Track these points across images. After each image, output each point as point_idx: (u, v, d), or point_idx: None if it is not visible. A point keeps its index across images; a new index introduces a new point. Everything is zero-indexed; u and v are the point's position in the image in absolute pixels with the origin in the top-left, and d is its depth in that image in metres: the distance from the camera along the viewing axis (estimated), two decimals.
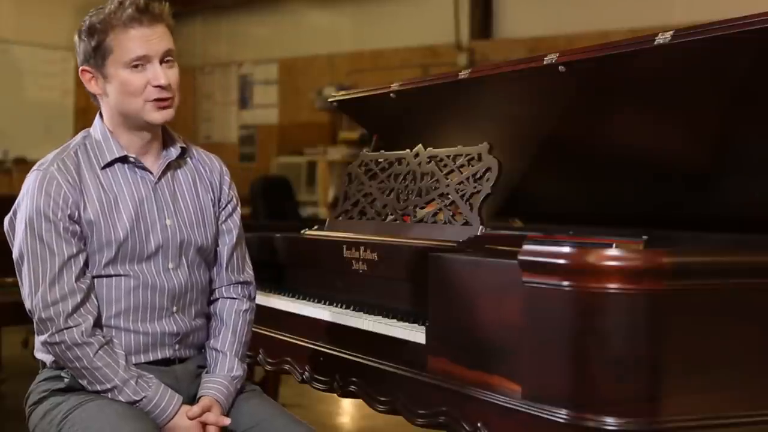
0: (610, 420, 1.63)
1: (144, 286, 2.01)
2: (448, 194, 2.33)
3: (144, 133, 2.04)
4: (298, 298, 2.58)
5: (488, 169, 2.26)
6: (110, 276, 1.99)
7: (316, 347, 2.44)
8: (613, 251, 1.69)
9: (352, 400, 2.54)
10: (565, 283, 1.67)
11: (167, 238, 2.04)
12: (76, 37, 2.01)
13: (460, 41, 8.14)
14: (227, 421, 2.00)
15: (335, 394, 2.40)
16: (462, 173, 2.33)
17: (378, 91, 2.82)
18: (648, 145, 2.27)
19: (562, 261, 1.68)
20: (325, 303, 2.46)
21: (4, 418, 4.52)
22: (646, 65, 2.06)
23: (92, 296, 1.96)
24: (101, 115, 2.07)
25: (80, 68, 2.02)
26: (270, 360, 2.68)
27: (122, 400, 1.93)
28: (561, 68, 2.17)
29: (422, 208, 2.41)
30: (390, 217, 2.49)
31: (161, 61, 1.98)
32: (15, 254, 1.99)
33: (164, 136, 2.10)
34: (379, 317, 2.22)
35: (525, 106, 2.46)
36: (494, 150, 2.29)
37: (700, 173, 2.23)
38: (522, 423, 1.74)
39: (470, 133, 2.44)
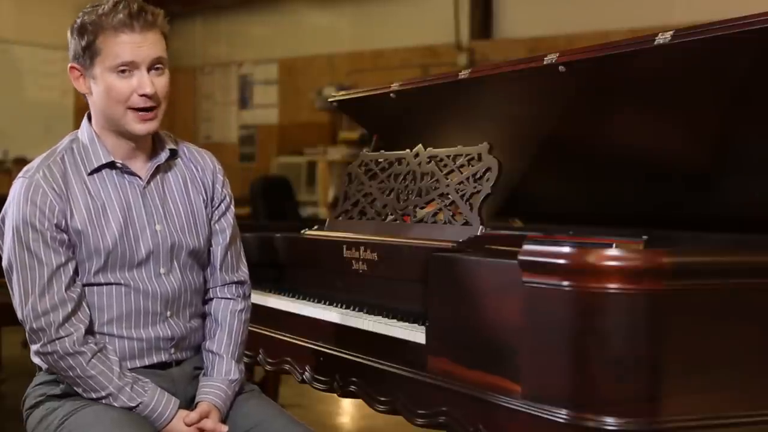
0: (610, 420, 1.63)
1: (136, 292, 1.98)
2: (448, 194, 2.32)
3: (129, 139, 1.99)
4: (298, 298, 2.57)
5: (488, 169, 2.26)
6: (101, 284, 1.96)
7: (316, 347, 2.44)
8: (613, 251, 1.69)
9: (352, 400, 2.54)
10: (565, 283, 1.67)
11: (157, 243, 2.00)
12: (68, 33, 1.97)
13: (460, 41, 8.14)
14: (224, 429, 1.98)
15: (335, 394, 2.40)
16: (462, 173, 2.33)
17: (378, 91, 2.82)
18: (648, 145, 2.26)
19: (562, 261, 1.68)
20: (325, 303, 2.46)
21: (4, 418, 4.52)
22: (646, 65, 2.05)
23: (83, 304, 1.93)
24: (89, 117, 2.03)
25: (69, 64, 1.98)
26: (270, 360, 2.68)
27: (118, 406, 1.91)
28: (561, 68, 2.17)
29: (422, 208, 2.41)
30: (390, 217, 2.48)
31: (150, 69, 1.93)
32: (4, 263, 1.95)
33: (153, 138, 2.05)
34: (379, 317, 2.22)
35: (525, 106, 2.46)
36: (494, 150, 2.28)
37: (700, 173, 2.22)
38: (522, 423, 1.74)
39: (470, 133, 2.44)
